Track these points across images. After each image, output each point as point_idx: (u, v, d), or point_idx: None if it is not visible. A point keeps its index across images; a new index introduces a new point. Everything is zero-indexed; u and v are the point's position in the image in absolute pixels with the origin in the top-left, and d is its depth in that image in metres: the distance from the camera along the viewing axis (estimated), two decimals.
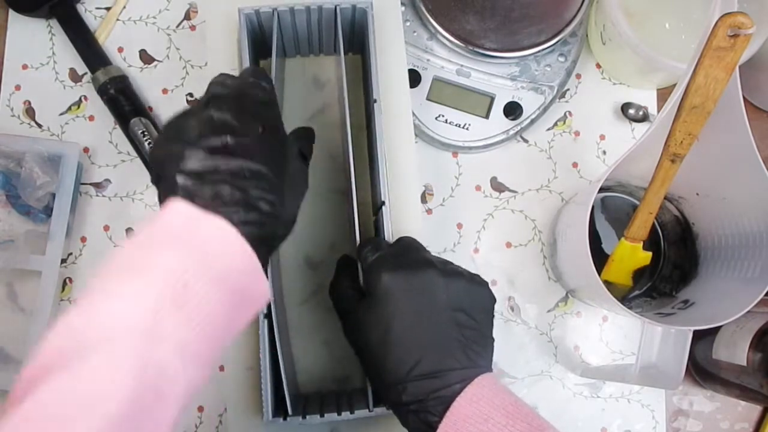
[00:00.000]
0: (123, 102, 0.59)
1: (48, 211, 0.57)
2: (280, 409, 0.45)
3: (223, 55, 0.50)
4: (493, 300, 0.43)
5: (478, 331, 0.40)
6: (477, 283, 0.42)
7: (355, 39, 0.53)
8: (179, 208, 0.34)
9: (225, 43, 0.50)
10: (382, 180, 0.45)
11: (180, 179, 0.34)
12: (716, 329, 0.55)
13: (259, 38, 0.51)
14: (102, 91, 0.59)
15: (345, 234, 0.54)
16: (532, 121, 0.59)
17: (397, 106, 0.50)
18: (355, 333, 0.41)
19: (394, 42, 0.50)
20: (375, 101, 0.46)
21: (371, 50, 0.47)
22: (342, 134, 0.47)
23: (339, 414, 0.44)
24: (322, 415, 0.44)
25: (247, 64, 0.47)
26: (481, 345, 0.40)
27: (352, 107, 0.46)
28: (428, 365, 0.38)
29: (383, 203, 0.45)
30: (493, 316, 0.43)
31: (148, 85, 0.61)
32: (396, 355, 0.39)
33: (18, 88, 0.61)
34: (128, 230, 0.60)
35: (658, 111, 0.62)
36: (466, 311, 0.40)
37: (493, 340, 0.42)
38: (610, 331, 0.60)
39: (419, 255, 0.42)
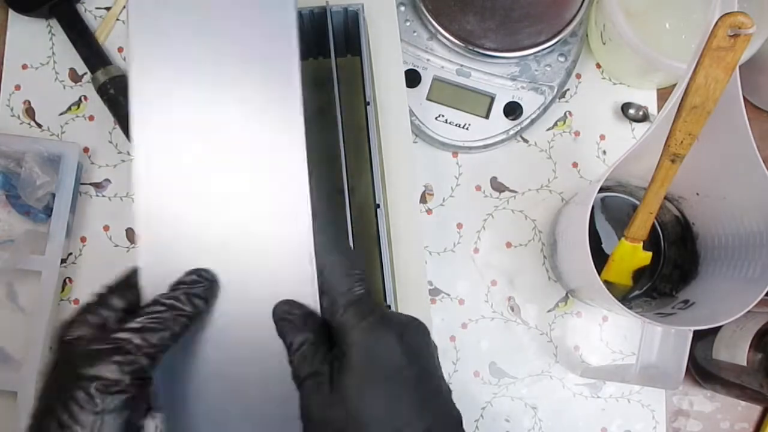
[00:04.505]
0: (123, 102, 0.59)
1: (48, 211, 0.57)
2: None
3: None
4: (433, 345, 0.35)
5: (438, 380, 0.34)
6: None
7: (352, 41, 0.53)
8: None
9: None
10: (376, 182, 0.46)
11: None
12: (716, 329, 0.55)
13: None
14: (102, 91, 0.59)
15: (345, 234, 0.54)
16: (532, 121, 0.59)
17: (394, 107, 0.50)
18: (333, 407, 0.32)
19: (390, 42, 0.50)
20: (368, 104, 0.46)
21: (364, 52, 0.47)
22: (337, 136, 0.47)
23: None
24: None
25: None
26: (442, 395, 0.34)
27: (352, 109, 0.46)
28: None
29: (378, 206, 0.45)
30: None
31: None
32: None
33: (18, 88, 0.61)
34: (128, 230, 0.60)
35: (658, 111, 0.62)
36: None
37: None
38: (610, 331, 0.60)
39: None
